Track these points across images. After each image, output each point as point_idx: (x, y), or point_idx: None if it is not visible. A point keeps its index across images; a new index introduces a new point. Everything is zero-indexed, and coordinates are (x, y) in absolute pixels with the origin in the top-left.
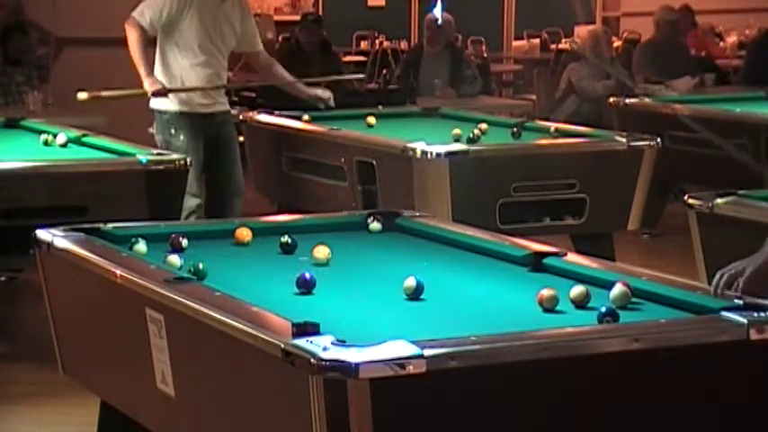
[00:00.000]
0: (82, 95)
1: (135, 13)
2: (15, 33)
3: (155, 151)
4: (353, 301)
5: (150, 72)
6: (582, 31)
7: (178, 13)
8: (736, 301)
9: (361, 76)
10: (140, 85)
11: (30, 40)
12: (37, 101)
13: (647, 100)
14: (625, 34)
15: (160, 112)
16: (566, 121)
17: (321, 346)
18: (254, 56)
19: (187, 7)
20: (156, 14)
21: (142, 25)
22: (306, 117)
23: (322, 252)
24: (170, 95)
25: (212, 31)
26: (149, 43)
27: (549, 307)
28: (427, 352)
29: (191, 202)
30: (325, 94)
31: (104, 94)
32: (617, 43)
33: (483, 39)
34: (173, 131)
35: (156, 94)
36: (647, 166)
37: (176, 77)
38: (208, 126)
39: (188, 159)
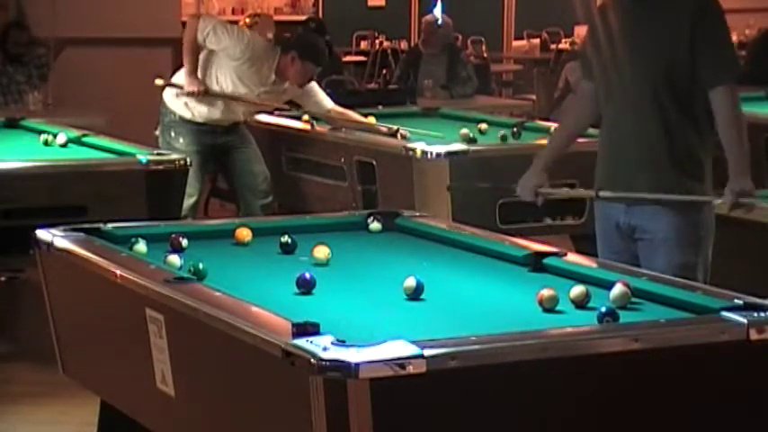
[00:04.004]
0: (159, 81)
1: (202, 20)
2: (14, 29)
3: (155, 151)
4: (353, 301)
5: (193, 71)
6: (582, 30)
7: (232, 57)
8: (736, 301)
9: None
10: (149, 85)
11: (29, 36)
12: (37, 101)
13: None
14: None
15: (165, 112)
16: None
17: (321, 346)
18: (327, 116)
19: (241, 60)
20: (215, 40)
21: (197, 32)
22: (306, 117)
23: (322, 252)
24: (179, 101)
25: (244, 93)
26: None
27: (549, 307)
28: (427, 352)
29: (187, 201)
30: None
31: (178, 85)
32: None
33: (483, 39)
34: (172, 134)
35: (193, 94)
36: None
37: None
38: (210, 133)
39: (188, 159)
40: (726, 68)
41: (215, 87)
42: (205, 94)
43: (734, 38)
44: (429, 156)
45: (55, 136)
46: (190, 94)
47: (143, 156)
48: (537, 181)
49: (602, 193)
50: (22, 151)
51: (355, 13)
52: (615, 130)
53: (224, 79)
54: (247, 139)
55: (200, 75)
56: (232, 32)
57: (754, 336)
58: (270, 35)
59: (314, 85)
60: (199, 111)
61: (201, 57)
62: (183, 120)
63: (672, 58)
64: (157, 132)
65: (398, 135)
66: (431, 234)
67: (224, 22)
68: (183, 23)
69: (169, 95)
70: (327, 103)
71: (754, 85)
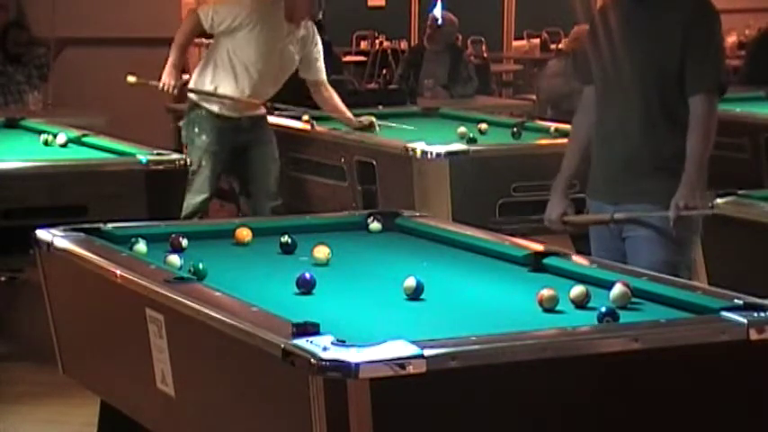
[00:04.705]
0: (131, 79)
1: (200, 10)
2: (14, 29)
3: (155, 151)
4: (353, 301)
5: (175, 64)
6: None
7: (242, 27)
8: (736, 301)
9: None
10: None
11: (29, 35)
12: (37, 101)
13: None
14: None
15: (191, 106)
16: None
17: (321, 346)
18: (315, 86)
19: (252, 25)
20: (219, 20)
21: (201, 22)
22: (306, 117)
23: (322, 252)
24: (200, 83)
25: (269, 56)
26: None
27: (549, 307)
28: (427, 352)
29: (197, 198)
30: (369, 120)
31: (152, 83)
32: None
33: (483, 39)
34: (196, 130)
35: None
36: None
37: (203, 80)
38: (235, 130)
39: (187, 159)
40: (707, 77)
41: (242, 76)
42: (180, 89)
43: (734, 38)
44: (429, 156)
45: (55, 136)
46: (164, 86)
47: (143, 156)
48: (561, 208)
49: (615, 216)
50: (22, 151)
51: (355, 13)
52: (605, 127)
53: (248, 59)
54: (268, 137)
55: (201, 73)
56: (231, 5)
57: (754, 336)
58: None
59: (320, 49)
60: (224, 104)
61: (205, 59)
62: (210, 114)
63: (664, 60)
64: (181, 124)
65: (371, 124)
66: (431, 234)
67: (218, 3)
68: None
69: (197, 87)
70: (322, 74)
71: (752, 84)
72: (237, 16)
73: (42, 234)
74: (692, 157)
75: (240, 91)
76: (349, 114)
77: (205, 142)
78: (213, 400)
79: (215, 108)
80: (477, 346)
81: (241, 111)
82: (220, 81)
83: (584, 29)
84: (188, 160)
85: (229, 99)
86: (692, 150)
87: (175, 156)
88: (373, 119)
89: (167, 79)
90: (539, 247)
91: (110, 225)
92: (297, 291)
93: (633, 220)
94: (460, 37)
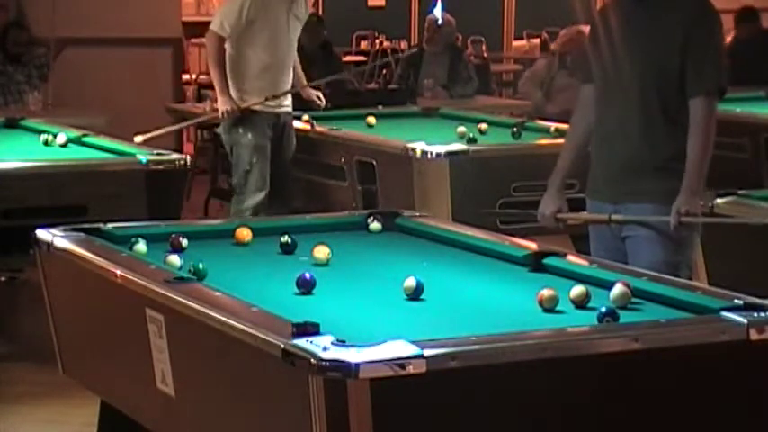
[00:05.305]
0: (138, 139)
1: (213, 26)
2: (14, 29)
3: (155, 151)
4: (353, 301)
5: (225, 89)
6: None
7: (255, 14)
8: (736, 301)
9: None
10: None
11: (29, 35)
12: (37, 101)
13: None
14: None
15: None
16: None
17: (321, 346)
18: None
19: (263, 10)
20: (234, 20)
21: (222, 36)
22: (306, 117)
23: (322, 252)
24: (238, 95)
25: (283, 33)
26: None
27: (549, 307)
28: (427, 352)
29: (258, 197)
30: (319, 97)
31: (159, 132)
32: None
33: (483, 39)
34: (240, 131)
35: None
36: None
37: (241, 88)
38: (274, 125)
39: (188, 159)
40: (707, 79)
41: (268, 63)
42: (242, 111)
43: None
44: (429, 156)
45: (55, 136)
46: (225, 114)
47: (143, 156)
48: (555, 206)
49: (614, 217)
50: (22, 151)
51: (355, 13)
52: (605, 127)
53: (269, 44)
54: (293, 135)
55: (236, 84)
56: (232, 3)
57: (754, 336)
58: None
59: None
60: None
61: (231, 70)
62: (251, 112)
63: (664, 60)
64: (219, 130)
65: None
66: (431, 234)
67: (223, 7)
68: (183, 24)
69: (234, 92)
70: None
71: (738, 85)
72: (246, 8)
73: (42, 234)
74: (693, 162)
75: (272, 79)
76: (304, 81)
77: (252, 139)
78: (213, 400)
79: (255, 106)
80: (477, 346)
81: (278, 102)
82: (253, 80)
83: (574, 31)
84: (187, 159)
85: (274, 97)
86: (692, 155)
87: (175, 156)
88: (319, 93)
89: (223, 107)
90: (539, 247)
91: (110, 225)
92: (297, 291)
93: (631, 221)
94: (460, 37)
